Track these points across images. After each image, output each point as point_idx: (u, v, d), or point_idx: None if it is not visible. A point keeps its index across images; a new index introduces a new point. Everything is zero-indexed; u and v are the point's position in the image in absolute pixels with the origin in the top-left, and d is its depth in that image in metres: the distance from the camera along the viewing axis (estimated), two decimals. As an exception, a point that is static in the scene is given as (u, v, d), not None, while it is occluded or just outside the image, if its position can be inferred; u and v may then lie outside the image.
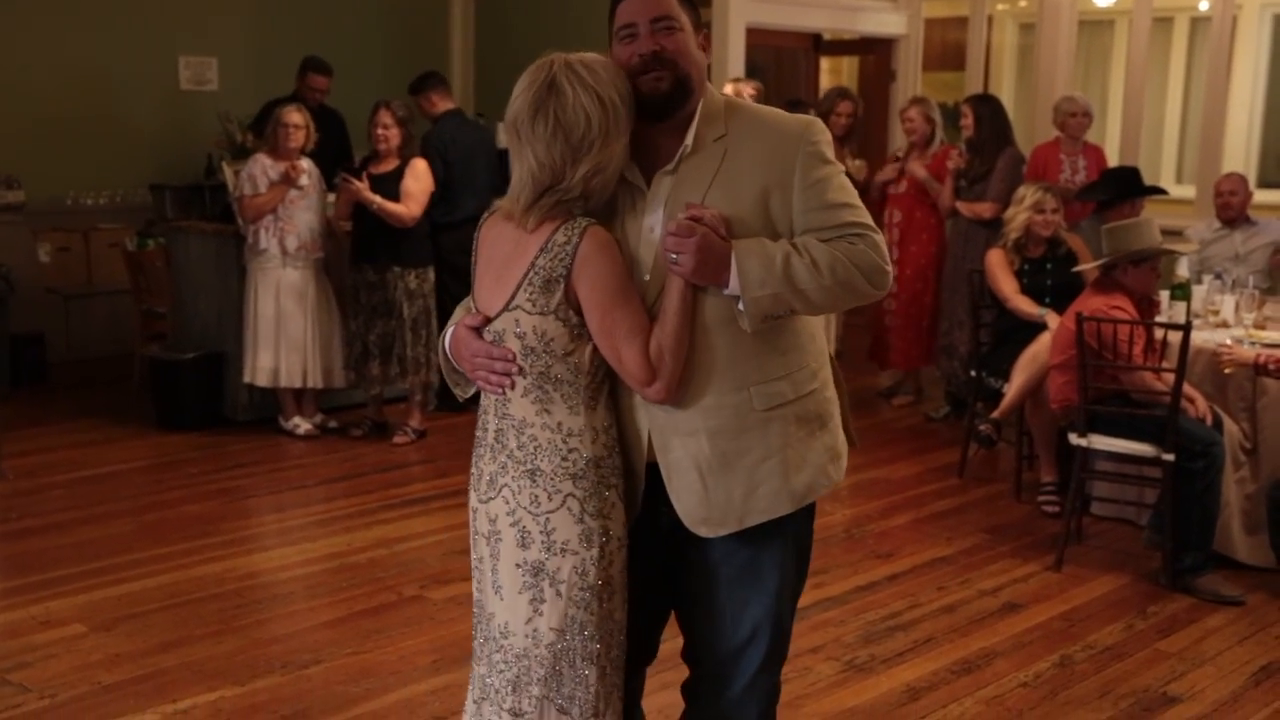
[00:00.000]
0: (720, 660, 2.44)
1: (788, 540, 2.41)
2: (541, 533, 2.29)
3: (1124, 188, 6.28)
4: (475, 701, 2.42)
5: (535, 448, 2.29)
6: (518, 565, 2.31)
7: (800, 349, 2.36)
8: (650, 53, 2.27)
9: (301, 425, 6.57)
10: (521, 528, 2.30)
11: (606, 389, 2.32)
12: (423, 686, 3.72)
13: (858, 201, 2.34)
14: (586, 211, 2.27)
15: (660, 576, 2.44)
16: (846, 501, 5.63)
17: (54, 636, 4.06)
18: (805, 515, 2.45)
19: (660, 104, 2.29)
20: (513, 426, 2.32)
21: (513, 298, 2.27)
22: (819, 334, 2.44)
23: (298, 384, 6.48)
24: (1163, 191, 6.92)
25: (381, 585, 4.55)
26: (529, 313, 2.26)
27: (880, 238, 2.32)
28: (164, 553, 4.84)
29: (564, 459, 2.28)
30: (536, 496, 2.29)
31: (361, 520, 5.28)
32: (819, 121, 2.38)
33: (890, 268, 2.32)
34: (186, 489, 5.69)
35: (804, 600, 4.35)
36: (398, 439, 6.47)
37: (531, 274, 2.25)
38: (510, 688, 2.34)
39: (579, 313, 2.26)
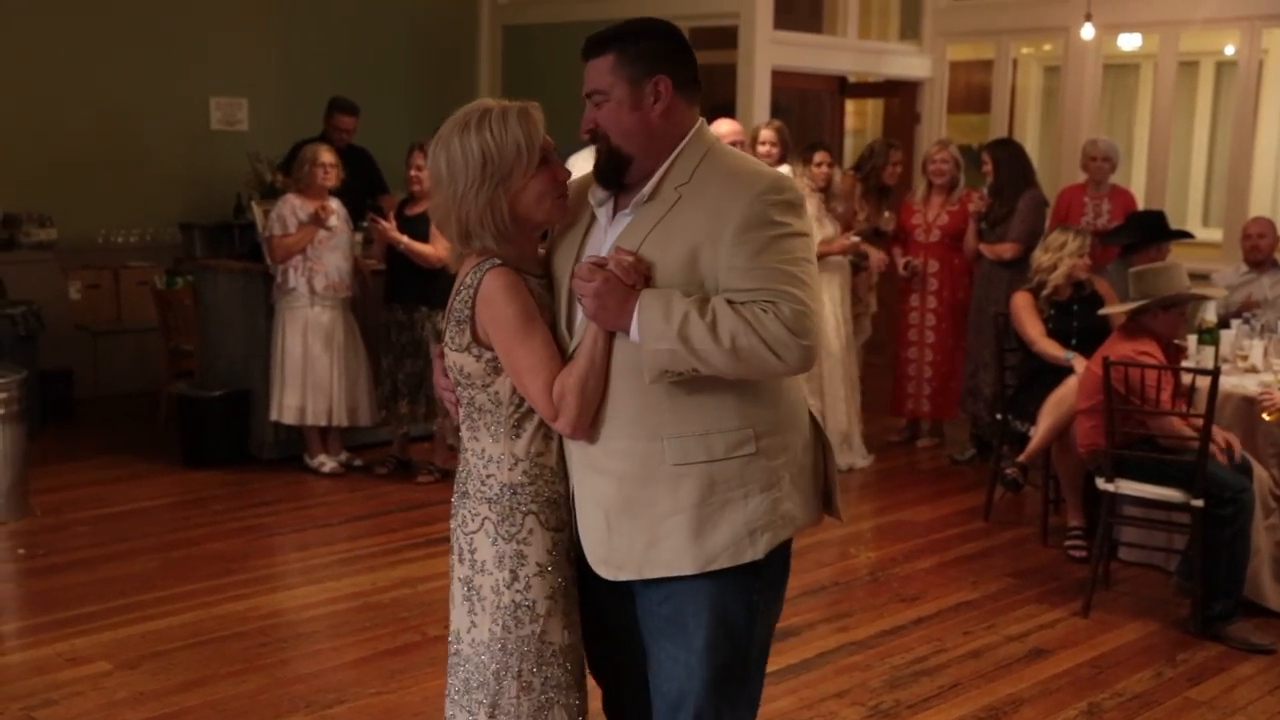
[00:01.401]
0: (658, 714, 2.42)
1: (709, 604, 2.30)
2: (468, 550, 2.43)
3: (1150, 232, 6.27)
4: (448, 698, 2.54)
5: (466, 472, 2.45)
6: (458, 579, 2.46)
7: (730, 410, 2.25)
8: (588, 131, 2.35)
9: (326, 463, 6.59)
10: (458, 544, 2.46)
11: (537, 419, 2.38)
12: (446, 728, 3.70)
13: (794, 268, 2.19)
14: (511, 252, 2.36)
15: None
16: (871, 544, 5.61)
17: (79, 674, 4.07)
18: (731, 583, 2.29)
19: (599, 175, 2.35)
20: (462, 452, 2.49)
21: (442, 335, 2.44)
22: (783, 399, 2.31)
23: (323, 422, 6.51)
24: (1189, 235, 6.91)
25: (405, 625, 4.54)
26: (451, 349, 2.41)
27: (808, 309, 2.17)
28: (189, 590, 4.86)
29: (482, 483, 2.41)
30: (464, 517, 2.44)
31: (385, 559, 5.28)
32: (786, 179, 2.30)
33: (809, 342, 2.16)
34: (211, 526, 5.71)
35: (829, 643, 4.40)
36: (422, 478, 6.48)
37: (450, 313, 2.40)
38: (462, 688, 2.46)
39: (491, 348, 2.36)
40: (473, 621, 2.42)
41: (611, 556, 2.33)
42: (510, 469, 2.38)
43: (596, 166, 2.34)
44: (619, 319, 2.22)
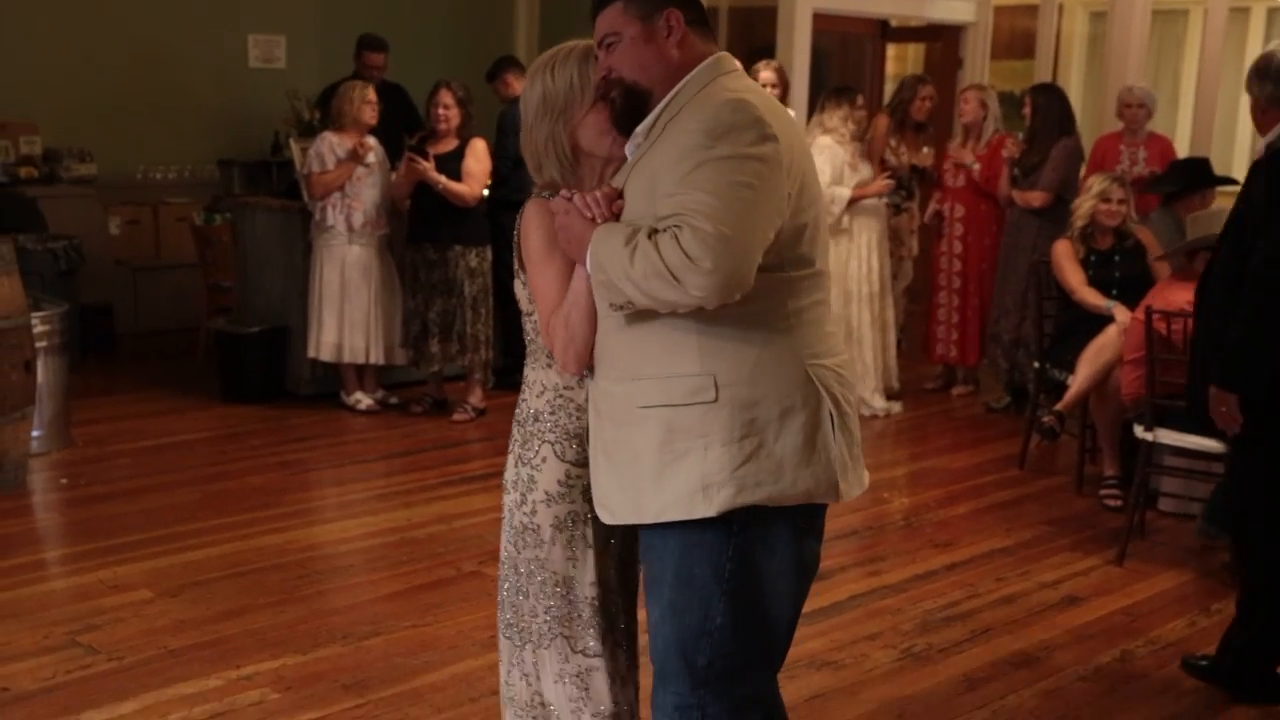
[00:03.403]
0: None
1: (673, 561, 2.21)
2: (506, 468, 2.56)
3: (1193, 178, 6.17)
4: None
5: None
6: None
7: (691, 354, 2.14)
8: (603, 76, 2.31)
9: (363, 401, 6.63)
10: None
11: None
12: (480, 661, 3.75)
13: (713, 193, 2.03)
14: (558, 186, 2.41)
15: None
16: (905, 490, 5.61)
17: (122, 601, 4.14)
18: (698, 542, 2.17)
19: (618, 118, 2.30)
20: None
21: None
22: (757, 349, 2.15)
23: (360, 360, 6.55)
24: (1233, 181, 6.80)
25: (441, 560, 4.59)
26: (517, 277, 2.49)
27: (714, 233, 1.99)
28: (228, 522, 4.92)
29: (518, 406, 2.51)
30: (511, 436, 2.55)
31: (421, 496, 5.32)
32: (740, 103, 2.12)
33: (708, 266, 1.98)
34: (250, 460, 5.77)
35: (861, 587, 4.41)
36: (457, 416, 6.51)
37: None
38: (503, 600, 2.57)
39: None
40: (502, 537, 2.55)
41: (600, 498, 2.32)
42: (538, 396, 2.46)
43: (612, 112, 2.30)
44: (579, 250, 2.21)
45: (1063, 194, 6.45)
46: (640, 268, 2.05)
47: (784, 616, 2.30)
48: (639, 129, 2.27)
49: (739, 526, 2.17)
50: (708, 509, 2.14)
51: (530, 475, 2.46)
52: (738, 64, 2.32)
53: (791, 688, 3.27)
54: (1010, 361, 6.76)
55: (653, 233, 2.07)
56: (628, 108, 2.28)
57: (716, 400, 2.14)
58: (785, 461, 2.15)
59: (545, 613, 2.48)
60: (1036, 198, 6.61)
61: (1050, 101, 6.80)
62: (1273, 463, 3.50)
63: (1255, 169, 3.54)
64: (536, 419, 2.45)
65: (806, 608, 4.10)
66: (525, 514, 2.46)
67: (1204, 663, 3.76)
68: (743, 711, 2.30)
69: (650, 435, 2.18)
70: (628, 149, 2.31)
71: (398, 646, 3.85)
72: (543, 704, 2.54)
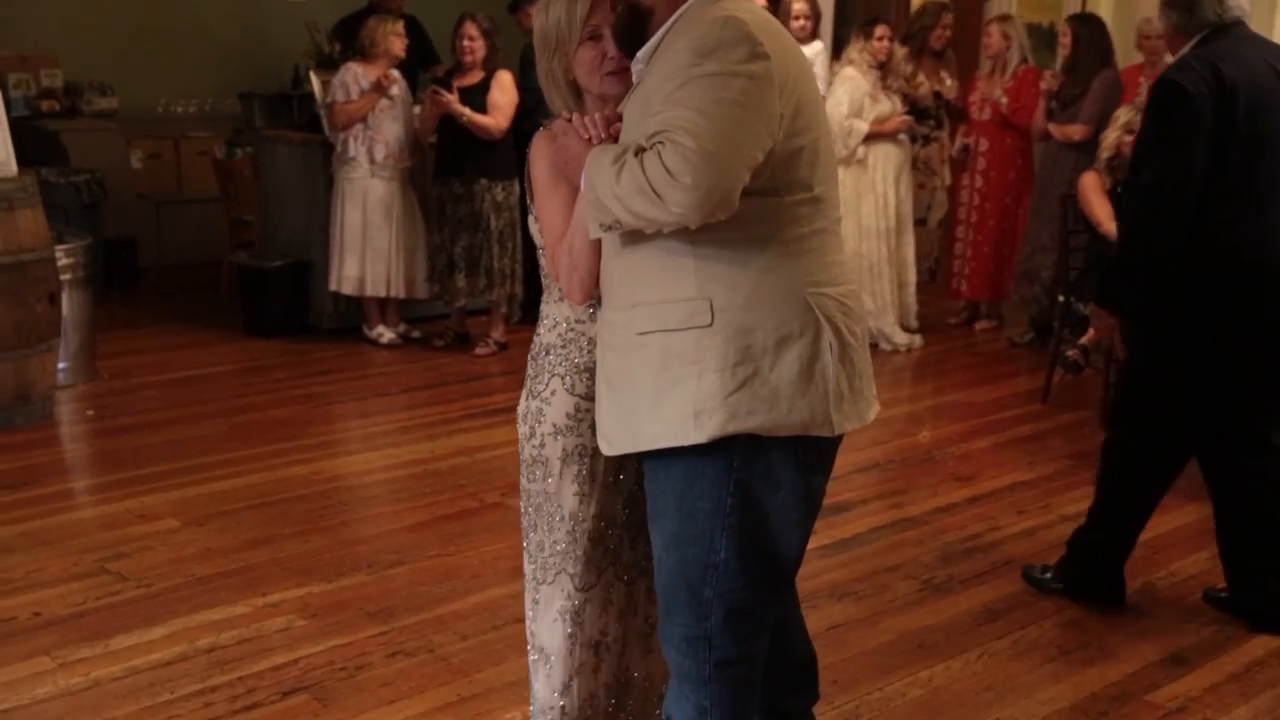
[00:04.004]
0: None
1: (674, 492, 2.19)
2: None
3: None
4: None
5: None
6: None
7: (687, 278, 2.11)
8: None
9: (385, 334, 6.65)
10: None
11: None
12: (503, 590, 3.79)
13: (701, 105, 1.98)
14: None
15: None
16: (928, 423, 5.60)
17: (149, 530, 4.19)
18: (699, 472, 2.14)
19: (619, 36, 2.26)
20: None
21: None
22: (755, 274, 2.11)
23: (382, 293, 6.55)
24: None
25: (464, 492, 4.62)
26: (530, 211, 2.48)
27: (694, 149, 1.94)
28: (253, 454, 4.96)
29: (533, 340, 2.52)
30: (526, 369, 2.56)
31: (444, 428, 5.35)
32: (731, 20, 2.05)
33: (688, 182, 1.93)
34: (273, 393, 5.81)
35: (882, 519, 4.43)
36: (479, 350, 6.53)
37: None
38: (524, 533, 2.61)
39: None
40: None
41: (602, 429, 2.30)
42: (550, 329, 2.46)
43: (615, 29, 2.26)
44: (576, 172, 2.20)
45: (1103, 127, 6.36)
46: (625, 184, 2.01)
47: (789, 550, 2.28)
48: (641, 53, 2.21)
49: (740, 460, 2.14)
50: (698, 435, 2.11)
51: (540, 408, 2.46)
52: None
53: (813, 618, 3.29)
54: (1050, 298, 6.70)
55: (640, 150, 2.03)
56: (629, 26, 2.24)
57: (712, 325, 2.10)
58: (780, 390, 2.11)
59: (551, 546, 2.48)
60: (1077, 131, 6.50)
61: (1092, 32, 6.67)
62: (1146, 376, 3.63)
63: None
64: (548, 352, 2.45)
65: (828, 539, 4.17)
66: (534, 447, 2.47)
67: (1225, 595, 3.77)
68: (750, 641, 2.30)
69: (648, 362, 2.15)
70: (633, 73, 2.26)
71: (421, 575, 3.89)
72: (540, 646, 2.54)
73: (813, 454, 2.22)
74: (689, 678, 2.29)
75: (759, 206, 2.09)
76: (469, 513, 4.42)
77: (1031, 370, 6.41)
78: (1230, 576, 3.75)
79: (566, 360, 2.43)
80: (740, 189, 2.02)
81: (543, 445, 2.45)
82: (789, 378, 2.11)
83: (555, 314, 2.46)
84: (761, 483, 2.17)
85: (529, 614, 2.59)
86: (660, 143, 1.99)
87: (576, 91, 2.39)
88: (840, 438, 2.26)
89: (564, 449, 2.43)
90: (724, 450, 2.13)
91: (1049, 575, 3.89)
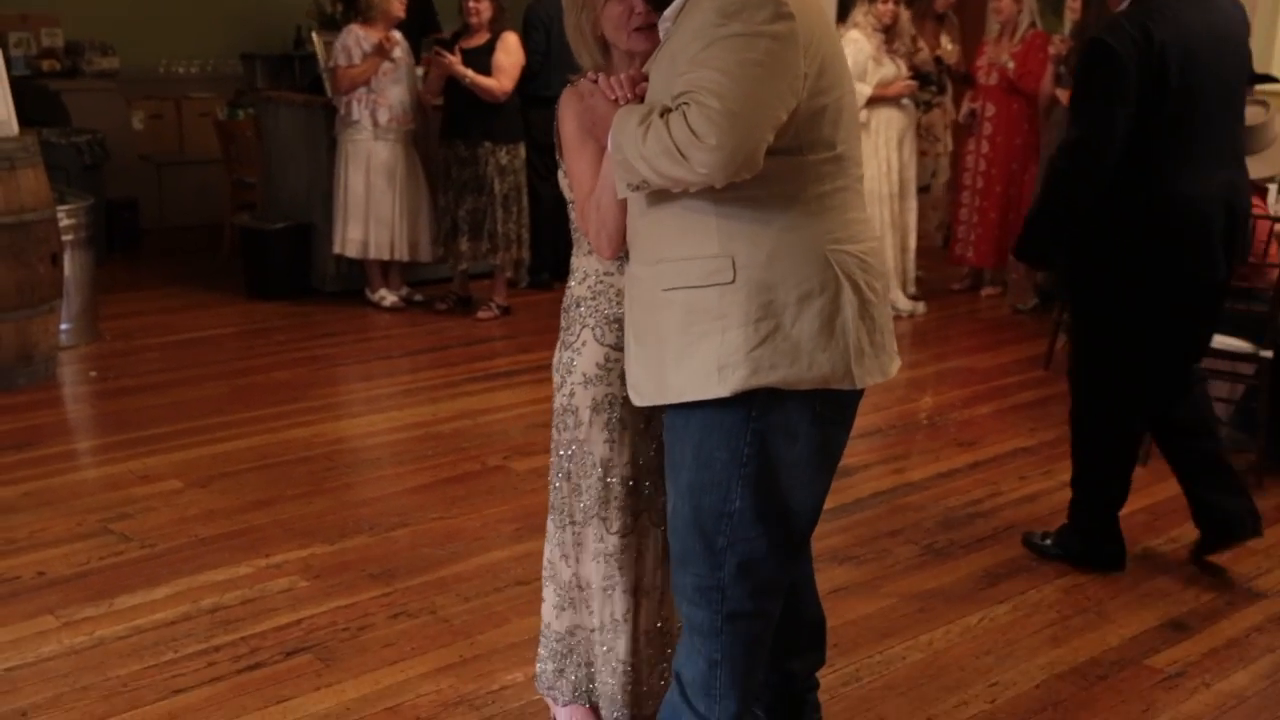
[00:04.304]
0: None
1: (692, 442, 2.23)
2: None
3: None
4: None
5: None
6: None
7: (710, 235, 2.14)
8: None
9: (387, 298, 6.65)
10: None
11: None
12: (505, 553, 3.80)
13: (721, 70, 2.00)
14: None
15: None
16: (930, 389, 5.60)
17: (152, 490, 4.20)
18: (716, 423, 2.18)
19: None
20: None
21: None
22: (776, 230, 2.13)
23: (385, 256, 6.54)
24: (1274, 79, 6.65)
25: (466, 455, 4.62)
26: (559, 166, 2.52)
27: (718, 109, 1.97)
28: (255, 416, 4.96)
29: (565, 294, 2.57)
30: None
31: (446, 391, 5.35)
32: None
33: (713, 143, 1.96)
34: (276, 356, 5.81)
35: (884, 484, 4.43)
36: (482, 314, 6.52)
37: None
38: (550, 482, 2.66)
39: None
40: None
41: (631, 380, 2.36)
42: (580, 282, 2.51)
43: None
44: (603, 132, 2.24)
45: None
46: (651, 145, 2.03)
47: (805, 504, 2.30)
48: (668, 11, 2.23)
49: (758, 411, 2.17)
50: (722, 389, 2.14)
51: (570, 359, 2.51)
52: None
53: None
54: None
55: (665, 111, 2.06)
56: None
57: (734, 282, 2.13)
58: (802, 345, 2.14)
59: (586, 493, 2.53)
60: None
61: None
62: (1084, 330, 3.74)
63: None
64: (578, 304, 2.51)
65: (830, 504, 4.11)
66: (565, 396, 2.53)
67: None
68: (763, 597, 2.32)
69: (673, 317, 2.18)
70: (660, 30, 2.27)
71: (424, 537, 3.90)
72: (579, 585, 2.60)
73: (831, 407, 2.24)
74: (700, 629, 2.31)
75: (782, 165, 2.12)
76: (471, 475, 4.43)
77: (1034, 337, 6.40)
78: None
79: (596, 311, 2.48)
80: (765, 149, 2.04)
81: (572, 395, 2.52)
82: (810, 333, 2.14)
83: (585, 267, 2.50)
84: (779, 434, 2.20)
85: (547, 563, 2.66)
86: (685, 104, 2.00)
87: (604, 47, 2.42)
88: (861, 393, 2.28)
89: (593, 398, 2.49)
90: (744, 402, 2.17)
91: (1049, 542, 3.90)
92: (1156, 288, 3.46)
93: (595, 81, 2.29)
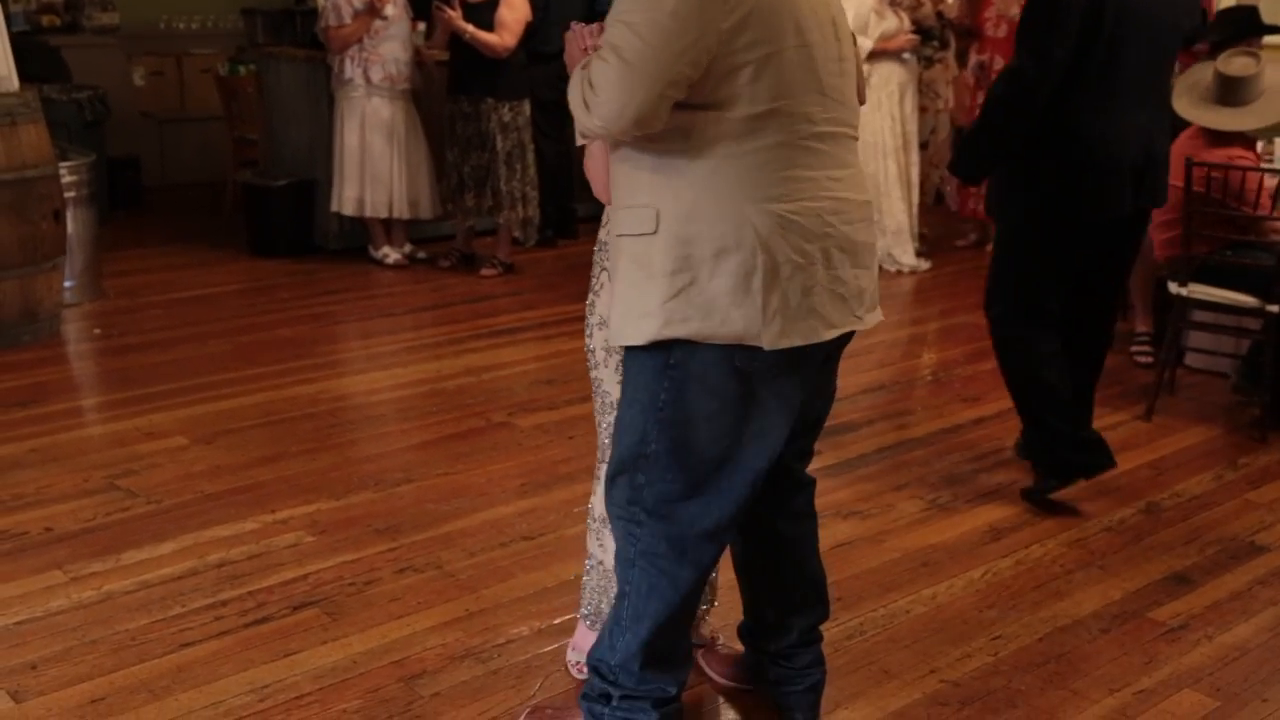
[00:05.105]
0: None
1: (627, 382, 2.30)
2: None
3: (1239, 27, 5.97)
4: None
5: None
6: None
7: (642, 185, 2.19)
8: None
9: (390, 255, 6.63)
10: None
11: None
12: (510, 508, 3.81)
13: (632, 20, 2.03)
14: None
15: None
16: (934, 346, 5.60)
17: (158, 447, 4.21)
18: (641, 366, 2.24)
19: None
20: None
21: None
22: (701, 183, 2.13)
23: (383, 214, 6.52)
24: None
25: (470, 411, 4.63)
26: None
27: (611, 63, 2.04)
28: (259, 373, 4.97)
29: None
30: None
31: (450, 348, 5.35)
32: None
33: (603, 97, 2.04)
34: (279, 313, 5.81)
35: (888, 440, 4.44)
36: (485, 271, 6.51)
37: None
38: None
39: None
40: None
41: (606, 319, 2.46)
42: (603, 226, 2.56)
43: None
44: None
45: None
46: (573, 95, 2.14)
47: (731, 456, 2.27)
48: None
49: (675, 360, 2.21)
50: (637, 337, 2.21)
51: (592, 300, 2.61)
52: None
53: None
54: None
55: (587, 64, 2.13)
56: None
57: (656, 232, 2.17)
58: (716, 300, 2.14)
59: (606, 428, 2.62)
60: None
61: None
62: (1000, 244, 3.92)
63: None
64: (600, 248, 2.60)
65: (833, 459, 4.18)
66: (588, 335, 2.64)
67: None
68: (678, 551, 2.32)
69: (620, 263, 2.25)
70: None
71: (428, 493, 3.91)
72: (604, 520, 2.68)
73: (761, 364, 2.20)
74: (619, 556, 2.40)
75: (698, 120, 2.13)
76: (475, 432, 4.44)
77: (1039, 292, 6.38)
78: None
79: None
80: (665, 105, 2.08)
81: (590, 335, 2.63)
82: (725, 289, 2.14)
83: (609, 211, 2.53)
84: (696, 384, 2.22)
85: (593, 501, 2.74)
86: (597, 57, 2.08)
87: None
88: (815, 350, 2.24)
89: (607, 339, 2.55)
90: (662, 350, 2.22)
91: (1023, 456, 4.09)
92: (1058, 215, 3.64)
93: (573, 30, 2.34)
